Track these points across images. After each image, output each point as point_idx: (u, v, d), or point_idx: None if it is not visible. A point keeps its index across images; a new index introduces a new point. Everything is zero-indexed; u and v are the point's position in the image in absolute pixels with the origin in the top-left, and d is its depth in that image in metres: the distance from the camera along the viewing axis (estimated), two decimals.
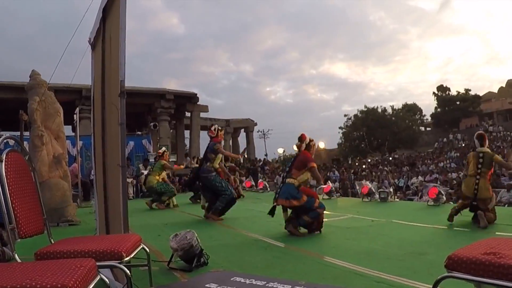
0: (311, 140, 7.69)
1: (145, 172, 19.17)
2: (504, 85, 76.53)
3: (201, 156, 13.42)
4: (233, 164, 17.25)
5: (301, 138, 7.64)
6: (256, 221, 9.34)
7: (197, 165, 11.75)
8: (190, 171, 17.69)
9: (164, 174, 13.06)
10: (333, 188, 14.38)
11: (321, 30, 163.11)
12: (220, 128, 9.90)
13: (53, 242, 3.15)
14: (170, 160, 17.50)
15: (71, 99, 24.46)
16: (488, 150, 7.83)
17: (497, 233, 6.34)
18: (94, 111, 5.98)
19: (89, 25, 5.78)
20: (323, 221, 7.35)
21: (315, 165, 7.46)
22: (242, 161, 30.98)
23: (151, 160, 19.52)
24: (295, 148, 8.00)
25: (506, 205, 11.98)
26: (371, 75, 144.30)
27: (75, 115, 16.09)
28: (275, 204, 7.49)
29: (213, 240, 6.84)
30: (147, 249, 3.52)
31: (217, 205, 9.24)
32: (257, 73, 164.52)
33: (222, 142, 10.38)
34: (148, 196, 15.39)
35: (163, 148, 13.39)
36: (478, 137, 7.99)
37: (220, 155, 9.71)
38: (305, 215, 7.17)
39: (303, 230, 7.26)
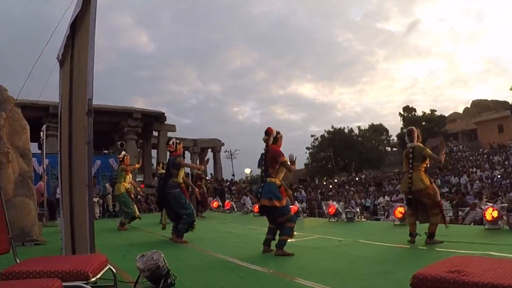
0: (277, 133, 7.57)
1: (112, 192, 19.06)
2: (469, 106, 78.07)
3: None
4: (199, 172, 17.21)
5: (268, 132, 7.51)
6: (223, 241, 9.31)
7: (163, 171, 11.57)
8: (156, 188, 17.56)
9: (129, 178, 12.80)
10: (300, 208, 14.41)
11: (289, 51, 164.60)
12: (178, 141, 9.74)
13: (18, 261, 3.11)
14: (137, 180, 17.29)
15: (38, 116, 24.21)
16: (419, 144, 7.84)
17: (460, 251, 6.41)
18: (61, 129, 5.92)
19: (58, 41, 5.74)
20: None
21: (285, 158, 7.35)
22: (207, 177, 30.94)
23: None
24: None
25: (472, 223, 12.14)
26: (338, 95, 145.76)
27: (41, 133, 15.87)
28: (258, 205, 7.46)
29: (180, 260, 6.79)
30: (114, 270, 3.49)
31: (180, 227, 9.05)
32: (225, 93, 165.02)
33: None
34: (115, 216, 15.28)
35: (123, 153, 13.11)
36: (407, 133, 8.06)
37: (183, 169, 9.58)
38: (287, 223, 7.16)
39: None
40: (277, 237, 7.30)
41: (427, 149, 7.77)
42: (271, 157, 7.37)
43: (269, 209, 7.26)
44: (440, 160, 7.96)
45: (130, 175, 12.95)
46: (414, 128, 8.17)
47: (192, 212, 9.24)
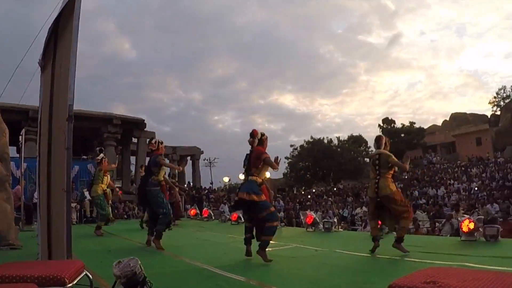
0: (262, 135, 7.62)
1: (89, 198, 18.91)
2: (448, 119, 78.75)
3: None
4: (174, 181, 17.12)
5: (253, 134, 7.55)
6: (201, 249, 9.30)
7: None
8: (137, 188, 17.47)
9: (107, 180, 12.71)
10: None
11: (271, 61, 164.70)
12: (161, 141, 9.78)
13: None
14: (115, 186, 17.13)
15: (17, 119, 23.99)
16: (385, 151, 7.87)
17: (436, 262, 6.47)
18: (41, 133, 5.90)
19: (40, 45, 5.73)
20: None
21: (268, 155, 7.42)
22: (187, 186, 30.85)
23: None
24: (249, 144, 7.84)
25: (449, 235, 12.25)
26: (318, 106, 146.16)
27: (20, 137, 15.75)
28: (236, 198, 7.47)
29: (157, 267, 6.77)
30: (90, 276, 3.48)
31: (158, 228, 8.99)
32: (206, 101, 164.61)
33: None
34: (93, 222, 15.18)
35: (101, 155, 13.00)
36: (375, 139, 8.12)
37: (164, 169, 9.57)
38: (268, 222, 7.16)
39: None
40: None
41: (393, 157, 7.81)
42: (255, 156, 7.42)
43: (247, 204, 7.27)
44: (404, 168, 8.05)
45: (108, 176, 12.86)
46: (382, 135, 8.26)
47: (168, 212, 9.21)
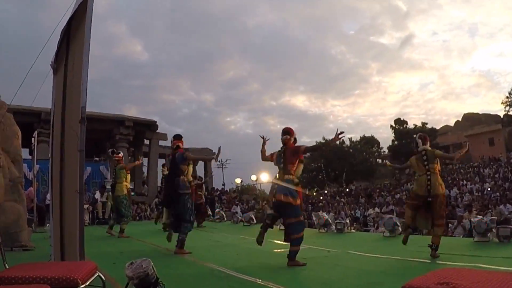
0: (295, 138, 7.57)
1: (102, 199, 18.99)
2: (460, 119, 78.40)
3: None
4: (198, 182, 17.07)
5: (289, 132, 7.43)
6: (213, 250, 9.30)
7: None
8: (160, 189, 17.41)
9: (129, 178, 12.60)
10: None
11: (283, 62, 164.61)
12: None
13: (7, 267, 3.11)
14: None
15: (29, 121, 24.15)
16: (429, 147, 7.80)
17: (449, 263, 6.44)
18: (53, 135, 5.92)
19: (52, 48, 5.75)
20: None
21: (304, 146, 7.40)
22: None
23: (108, 187, 19.29)
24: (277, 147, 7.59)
25: (461, 236, 12.18)
26: (330, 107, 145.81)
27: (33, 139, 15.83)
28: (274, 200, 7.34)
29: (169, 269, 6.78)
30: (103, 277, 3.49)
31: (182, 237, 8.55)
32: (218, 103, 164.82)
33: None
34: (105, 223, 15.21)
35: (121, 153, 12.86)
36: (420, 137, 7.98)
37: (191, 165, 9.15)
38: (294, 234, 7.04)
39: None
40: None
41: (437, 151, 7.83)
42: (292, 153, 7.28)
43: (283, 205, 7.10)
44: (452, 157, 8.02)
45: (129, 175, 12.74)
46: (424, 134, 8.15)
47: (193, 220, 9.02)
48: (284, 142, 7.41)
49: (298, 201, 7.12)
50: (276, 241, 9.72)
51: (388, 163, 9.99)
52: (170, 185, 8.93)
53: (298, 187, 7.22)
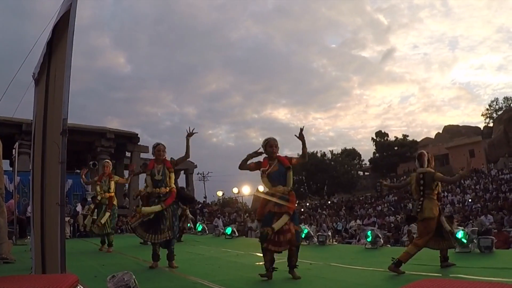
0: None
1: (83, 212, 18.84)
2: (441, 131, 79.12)
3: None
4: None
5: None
6: (195, 263, 9.27)
7: None
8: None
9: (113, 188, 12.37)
10: None
11: (265, 75, 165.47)
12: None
13: None
14: None
15: (10, 133, 23.97)
16: (429, 169, 7.48)
17: (430, 274, 6.48)
18: (34, 147, 5.89)
19: (34, 58, 5.73)
20: None
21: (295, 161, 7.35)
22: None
23: (89, 200, 19.18)
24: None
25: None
26: (312, 120, 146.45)
27: (13, 150, 15.73)
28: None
29: (151, 282, 6.75)
30: None
31: (172, 249, 8.42)
32: (200, 115, 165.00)
33: None
34: (86, 236, 15.09)
35: (106, 161, 12.66)
36: (417, 157, 7.72)
37: (173, 174, 8.86)
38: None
39: None
40: None
41: (437, 173, 7.45)
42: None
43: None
44: (455, 181, 7.89)
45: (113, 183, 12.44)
46: (424, 152, 7.82)
47: (177, 231, 8.83)
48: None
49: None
50: (258, 254, 9.70)
51: (385, 183, 9.84)
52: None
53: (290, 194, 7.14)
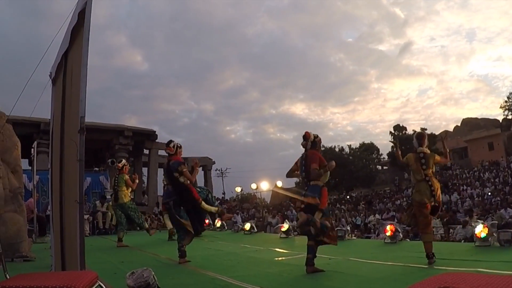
0: (315, 137, 7.41)
1: (102, 209, 18.94)
2: (459, 124, 78.45)
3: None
4: None
5: (306, 137, 7.37)
6: (214, 259, 9.28)
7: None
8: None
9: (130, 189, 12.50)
10: (290, 226, 14.38)
11: (282, 71, 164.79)
12: (179, 145, 8.84)
13: (8, 277, 3.11)
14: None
15: (29, 132, 24.16)
16: (427, 150, 7.50)
17: (450, 268, 6.42)
18: (53, 146, 5.93)
19: (51, 58, 5.76)
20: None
21: (316, 165, 7.11)
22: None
23: (108, 197, 19.28)
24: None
25: (463, 241, 12.16)
26: (330, 115, 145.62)
27: (32, 149, 15.85)
28: (302, 206, 7.19)
29: (170, 278, 6.76)
30: (104, 287, 3.48)
31: (180, 246, 8.53)
32: (218, 112, 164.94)
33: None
34: (105, 233, 15.20)
35: (123, 161, 12.70)
36: (417, 136, 7.72)
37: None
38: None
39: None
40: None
41: (437, 156, 7.53)
42: (311, 160, 7.20)
43: (313, 207, 7.01)
44: (447, 160, 7.80)
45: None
46: (424, 132, 7.83)
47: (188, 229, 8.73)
48: (303, 147, 7.44)
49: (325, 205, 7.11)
50: (277, 249, 9.71)
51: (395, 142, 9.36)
52: (178, 190, 8.68)
53: (322, 190, 7.12)
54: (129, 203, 12.22)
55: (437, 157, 7.53)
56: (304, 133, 7.45)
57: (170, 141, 8.82)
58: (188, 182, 8.50)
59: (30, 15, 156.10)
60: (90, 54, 4.02)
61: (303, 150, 7.43)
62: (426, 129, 67.91)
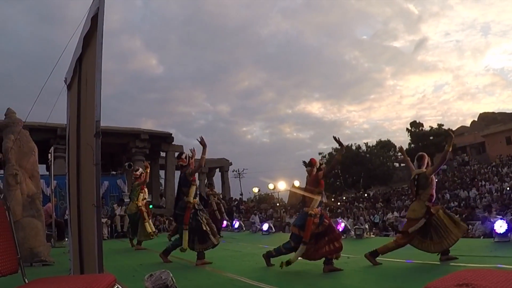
0: (321, 164, 7.54)
1: (120, 212, 19.05)
2: (476, 119, 77.88)
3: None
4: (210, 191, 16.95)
5: (311, 163, 7.50)
6: (232, 260, 9.29)
7: None
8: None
9: (144, 196, 12.86)
10: None
11: (297, 70, 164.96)
12: (191, 155, 8.93)
13: (27, 282, 3.13)
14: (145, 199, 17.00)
15: (45, 138, 24.40)
16: (424, 171, 7.51)
17: (469, 264, 6.39)
18: (69, 150, 5.98)
19: (65, 64, 5.81)
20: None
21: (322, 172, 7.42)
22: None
23: (126, 200, 19.39)
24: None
25: (482, 237, 12.07)
26: (346, 113, 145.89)
27: (49, 154, 15.97)
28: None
29: (188, 280, 6.79)
30: None
31: (169, 247, 9.08)
32: (234, 113, 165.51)
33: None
34: (124, 236, 15.29)
35: (140, 170, 12.96)
36: (417, 157, 7.79)
37: (194, 187, 8.85)
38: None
39: None
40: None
41: (429, 169, 7.55)
42: (312, 183, 7.42)
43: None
44: (443, 161, 7.73)
45: (145, 192, 12.92)
46: (425, 154, 7.84)
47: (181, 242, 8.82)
48: (308, 173, 7.54)
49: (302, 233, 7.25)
50: None
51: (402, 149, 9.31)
52: (174, 205, 9.24)
53: (309, 218, 7.21)
54: (133, 215, 12.81)
55: (429, 170, 7.53)
56: (310, 160, 7.69)
57: (181, 153, 9.05)
58: (189, 204, 8.65)
59: (44, 22, 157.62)
60: (105, 58, 4.05)
61: (319, 148, 7.52)
62: (443, 125, 67.90)
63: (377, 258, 7.51)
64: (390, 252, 7.59)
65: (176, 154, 9.32)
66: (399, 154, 69.68)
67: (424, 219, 7.23)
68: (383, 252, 7.49)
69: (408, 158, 8.21)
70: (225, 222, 19.31)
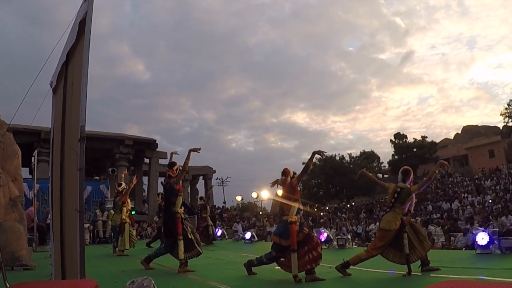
0: (294, 173, 7.56)
1: (102, 218, 18.96)
2: (460, 132, 78.50)
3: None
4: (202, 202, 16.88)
5: (285, 172, 7.53)
6: (214, 268, 9.28)
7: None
8: (158, 216, 17.54)
9: (127, 209, 12.77)
10: None
11: (284, 79, 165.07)
12: (181, 167, 8.78)
13: (8, 286, 3.10)
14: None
15: (29, 141, 24.22)
16: (408, 187, 7.52)
17: (452, 276, 6.42)
18: (53, 154, 5.94)
19: (52, 67, 5.78)
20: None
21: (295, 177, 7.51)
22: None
23: (108, 205, 19.30)
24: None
25: (464, 248, 12.15)
26: (331, 124, 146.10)
27: (33, 158, 15.87)
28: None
29: (170, 287, 6.76)
30: None
31: (152, 254, 9.04)
32: (219, 121, 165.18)
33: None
34: (106, 242, 15.20)
35: (123, 185, 12.95)
36: (403, 171, 7.80)
37: (181, 198, 8.81)
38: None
39: None
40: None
41: (413, 187, 7.58)
42: (287, 190, 7.49)
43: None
44: (429, 180, 7.78)
45: (128, 204, 12.98)
46: (410, 169, 7.89)
47: (166, 250, 8.95)
48: (281, 183, 7.65)
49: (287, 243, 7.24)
50: None
51: (366, 172, 9.32)
52: (166, 215, 8.94)
53: (292, 226, 7.22)
54: (115, 227, 13.12)
55: (413, 188, 7.56)
56: (284, 169, 7.68)
57: (173, 163, 8.99)
58: (178, 215, 8.62)
59: (32, 24, 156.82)
60: (92, 63, 4.04)
61: (303, 158, 7.61)
62: (426, 137, 68.38)
63: (361, 269, 7.53)
64: (371, 263, 7.61)
65: (168, 162, 9.21)
66: (382, 164, 70.30)
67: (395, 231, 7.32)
68: (354, 263, 7.52)
69: (375, 178, 8.34)
70: (219, 232, 19.10)
